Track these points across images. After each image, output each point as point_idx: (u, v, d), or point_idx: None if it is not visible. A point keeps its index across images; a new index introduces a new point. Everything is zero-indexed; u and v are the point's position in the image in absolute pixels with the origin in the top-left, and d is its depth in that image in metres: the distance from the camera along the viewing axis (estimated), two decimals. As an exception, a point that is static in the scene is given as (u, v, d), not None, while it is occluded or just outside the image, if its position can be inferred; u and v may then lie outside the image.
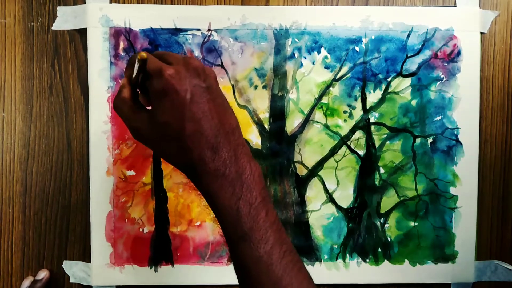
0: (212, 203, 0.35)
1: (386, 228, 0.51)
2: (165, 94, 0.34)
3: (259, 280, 0.33)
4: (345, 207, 0.50)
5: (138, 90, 0.38)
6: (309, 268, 0.50)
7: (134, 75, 0.36)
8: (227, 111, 0.36)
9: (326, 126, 0.50)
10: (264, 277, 0.33)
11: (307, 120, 0.50)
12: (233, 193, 0.34)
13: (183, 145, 0.34)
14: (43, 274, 0.49)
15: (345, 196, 0.50)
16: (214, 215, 0.35)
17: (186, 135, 0.34)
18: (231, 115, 0.37)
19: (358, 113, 0.50)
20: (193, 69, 0.35)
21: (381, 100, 0.50)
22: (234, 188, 0.34)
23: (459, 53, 0.50)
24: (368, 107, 0.50)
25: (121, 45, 0.48)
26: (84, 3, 0.48)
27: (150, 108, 0.36)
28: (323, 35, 0.49)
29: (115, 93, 0.48)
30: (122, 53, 0.48)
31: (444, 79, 0.50)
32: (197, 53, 0.49)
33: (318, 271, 0.50)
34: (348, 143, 0.50)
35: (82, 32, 0.48)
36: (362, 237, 0.51)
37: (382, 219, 0.51)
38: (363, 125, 0.50)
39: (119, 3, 0.49)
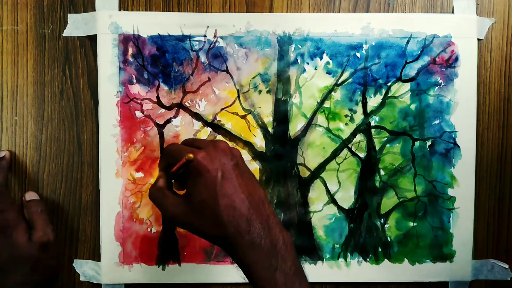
0: (249, 274, 0.37)
1: (386, 228, 0.52)
2: (199, 175, 0.37)
3: None
4: (347, 208, 0.52)
5: (172, 180, 0.42)
6: (311, 267, 0.51)
7: (174, 169, 0.39)
8: (254, 184, 0.40)
9: (328, 130, 0.51)
10: None
11: (309, 123, 0.51)
12: (270, 265, 0.36)
13: (219, 221, 0.37)
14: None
15: (347, 197, 0.51)
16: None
17: (221, 210, 0.37)
18: (258, 188, 0.40)
19: (359, 117, 0.51)
20: (221, 150, 0.39)
21: (381, 105, 0.51)
22: (271, 259, 0.36)
23: (456, 59, 0.51)
24: (368, 111, 0.51)
25: (130, 51, 0.50)
26: (94, 10, 0.49)
27: (183, 192, 0.40)
28: (325, 42, 0.50)
29: (123, 98, 0.50)
30: (130, 59, 0.50)
31: (442, 84, 0.51)
32: (203, 58, 0.50)
33: (320, 270, 0.51)
34: (350, 146, 0.51)
35: (92, 39, 0.50)
36: (363, 237, 0.52)
37: (382, 219, 0.52)
38: (364, 128, 0.51)
39: (127, 10, 0.50)
